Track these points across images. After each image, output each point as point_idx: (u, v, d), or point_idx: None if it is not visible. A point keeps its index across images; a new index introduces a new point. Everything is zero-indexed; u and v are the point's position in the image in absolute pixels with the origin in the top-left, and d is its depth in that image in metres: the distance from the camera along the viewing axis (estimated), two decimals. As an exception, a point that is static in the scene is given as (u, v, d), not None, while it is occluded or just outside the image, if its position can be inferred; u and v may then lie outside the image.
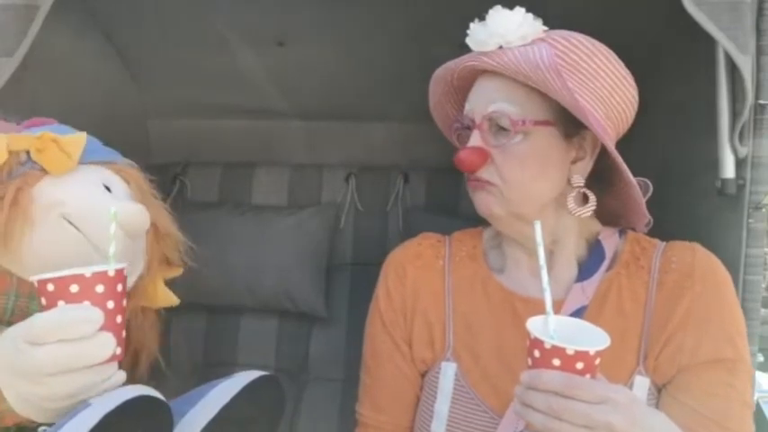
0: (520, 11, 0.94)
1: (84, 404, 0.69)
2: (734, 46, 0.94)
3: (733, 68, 0.98)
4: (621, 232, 1.03)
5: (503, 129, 0.93)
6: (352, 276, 1.69)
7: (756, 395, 1.07)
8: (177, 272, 1.08)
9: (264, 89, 1.66)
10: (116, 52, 1.57)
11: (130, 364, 1.05)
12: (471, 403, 0.97)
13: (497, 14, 0.94)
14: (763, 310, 1.33)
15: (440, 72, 1.05)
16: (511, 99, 0.93)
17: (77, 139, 0.91)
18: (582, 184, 0.96)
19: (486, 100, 0.95)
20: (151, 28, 1.47)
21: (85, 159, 0.92)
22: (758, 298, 1.02)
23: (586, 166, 0.97)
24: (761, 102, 0.98)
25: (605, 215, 1.05)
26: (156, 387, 0.75)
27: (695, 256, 0.96)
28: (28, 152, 0.88)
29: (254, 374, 0.81)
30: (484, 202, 0.97)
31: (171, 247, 1.04)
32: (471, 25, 0.97)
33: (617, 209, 1.03)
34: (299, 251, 1.62)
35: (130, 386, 0.73)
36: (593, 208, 0.97)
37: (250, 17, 1.42)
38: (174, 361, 1.65)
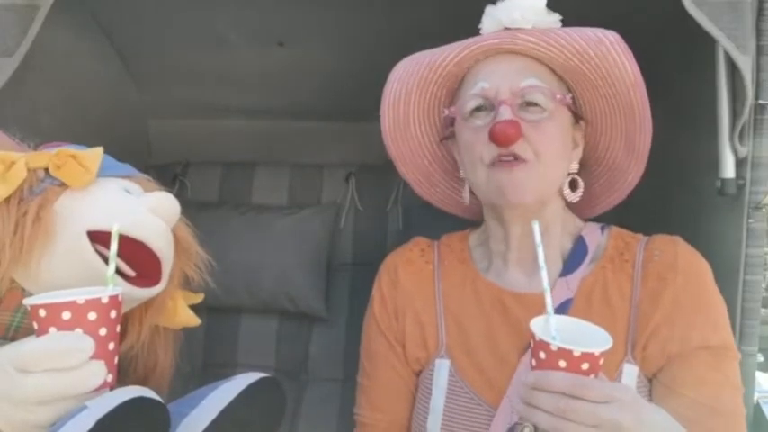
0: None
1: (80, 406, 0.69)
2: (734, 46, 0.95)
3: (733, 68, 0.98)
4: (604, 228, 1.05)
5: (532, 104, 0.95)
6: (352, 276, 1.69)
7: (756, 395, 1.07)
8: (197, 298, 1.08)
9: (265, 89, 1.66)
10: (116, 52, 1.57)
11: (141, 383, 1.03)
12: (466, 397, 0.98)
13: None
14: (763, 310, 1.33)
15: (421, 60, 1.01)
16: (539, 76, 0.96)
17: (94, 154, 0.92)
18: (576, 170, 1.02)
19: (514, 76, 0.95)
20: (151, 28, 1.48)
21: (102, 173, 0.93)
22: (758, 298, 1.02)
23: (579, 153, 1.03)
24: (761, 102, 0.99)
25: (590, 199, 1.08)
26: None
27: (677, 248, 0.98)
28: (46, 169, 0.88)
29: (254, 376, 0.80)
30: (520, 183, 0.94)
31: (191, 262, 1.04)
32: (490, 7, 0.97)
33: (602, 189, 1.07)
34: (299, 251, 1.62)
35: (126, 387, 0.72)
36: (581, 194, 1.01)
37: (250, 17, 1.42)
38: (174, 361, 1.65)
